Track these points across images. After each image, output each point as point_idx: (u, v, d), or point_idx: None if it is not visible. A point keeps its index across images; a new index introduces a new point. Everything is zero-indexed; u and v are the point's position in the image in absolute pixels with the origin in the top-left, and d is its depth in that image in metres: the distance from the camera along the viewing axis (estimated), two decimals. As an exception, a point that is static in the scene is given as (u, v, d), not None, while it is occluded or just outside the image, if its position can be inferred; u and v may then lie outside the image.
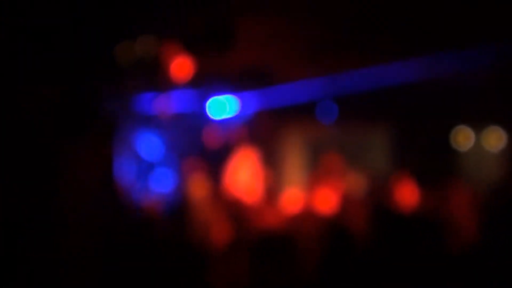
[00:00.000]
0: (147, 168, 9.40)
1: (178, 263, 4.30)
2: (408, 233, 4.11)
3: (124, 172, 7.42)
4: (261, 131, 9.31)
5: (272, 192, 6.85)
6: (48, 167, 3.92)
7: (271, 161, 9.64)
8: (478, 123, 9.62)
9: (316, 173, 7.65)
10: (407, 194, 6.48)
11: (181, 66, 5.47)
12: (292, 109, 8.21)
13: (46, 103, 3.81)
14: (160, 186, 8.91)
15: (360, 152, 10.55)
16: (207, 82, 7.16)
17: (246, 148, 7.67)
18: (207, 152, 9.03)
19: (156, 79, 5.03)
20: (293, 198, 6.48)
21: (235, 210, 6.00)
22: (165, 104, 7.67)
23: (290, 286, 4.19)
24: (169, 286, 4.22)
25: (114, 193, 6.60)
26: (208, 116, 8.81)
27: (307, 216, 5.89)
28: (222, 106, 8.40)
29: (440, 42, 5.64)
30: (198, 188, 6.05)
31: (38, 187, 3.87)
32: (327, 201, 5.75)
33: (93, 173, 4.19)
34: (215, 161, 8.71)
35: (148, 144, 9.36)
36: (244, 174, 7.31)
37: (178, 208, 5.36)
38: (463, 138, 9.59)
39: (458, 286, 3.72)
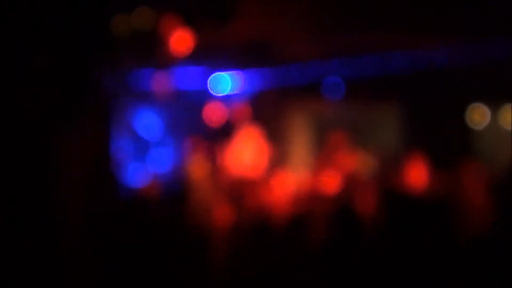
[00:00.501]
0: (145, 147, 9.33)
1: (177, 244, 4.31)
2: (418, 216, 3.97)
3: (122, 151, 7.35)
4: (266, 109, 9.19)
5: (276, 172, 6.72)
6: (42, 147, 3.82)
7: (276, 139, 9.56)
8: (495, 101, 9.47)
9: (323, 152, 7.51)
10: (418, 175, 6.39)
11: (180, 41, 5.31)
12: (299, 87, 8.06)
13: (39, 79, 3.70)
14: (159, 166, 8.82)
15: (370, 131, 10.46)
16: (208, 58, 7.01)
17: (249, 127, 7.53)
18: (209, 130, 8.96)
19: (154, 54, 4.89)
20: (298, 178, 6.38)
21: (237, 190, 5.93)
22: (164, 81, 7.56)
23: (293, 267, 4.14)
24: (168, 267, 4.21)
25: (111, 174, 6.57)
26: (209, 93, 8.71)
27: (313, 196, 5.80)
28: (224, 83, 8.26)
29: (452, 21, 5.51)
30: (198, 167, 5.94)
31: (32, 168, 3.78)
32: (334, 181, 5.63)
33: (88, 153, 4.10)
34: (216, 139, 8.64)
35: (147, 123, 9.23)
36: (246, 153, 7.19)
37: (178, 188, 5.28)
38: (479, 116, 9.45)
39: (470, 270, 3.57)
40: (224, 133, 8.56)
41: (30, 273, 3.70)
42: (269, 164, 7.05)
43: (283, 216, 5.66)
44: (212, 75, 8.05)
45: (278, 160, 9.03)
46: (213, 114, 9.06)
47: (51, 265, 3.84)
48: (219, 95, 8.73)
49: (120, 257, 4.43)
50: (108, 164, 6.23)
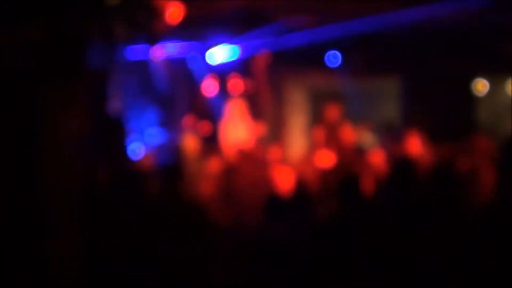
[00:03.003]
0: (137, 120, 9.29)
1: (171, 219, 4.21)
2: (422, 188, 3.90)
3: (112, 123, 7.33)
4: (261, 80, 9.16)
5: (271, 144, 6.71)
6: (30, 117, 3.74)
7: (272, 111, 9.55)
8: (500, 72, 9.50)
9: (322, 124, 7.43)
10: (422, 147, 6.38)
11: (174, 9, 5.23)
12: (296, 56, 7.93)
13: (28, 47, 3.61)
14: (152, 139, 8.78)
15: (372, 102, 10.47)
16: (203, 28, 6.96)
17: (243, 98, 7.50)
18: (202, 102, 8.90)
19: (147, 24, 4.81)
20: (296, 150, 6.37)
21: (230, 163, 5.92)
22: (156, 51, 7.50)
23: (295, 243, 4.02)
24: (162, 241, 4.16)
25: (102, 145, 6.56)
26: (203, 63, 8.62)
27: (312, 168, 5.78)
28: (219, 54, 8.10)
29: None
30: (192, 141, 5.91)
31: (20, 137, 3.74)
32: (332, 153, 5.63)
33: (78, 124, 3.99)
34: (210, 112, 8.56)
35: (139, 94, 9.14)
36: (240, 125, 7.14)
37: (171, 161, 5.27)
38: (483, 86, 9.35)
39: (475, 243, 3.50)
40: (217, 104, 8.56)
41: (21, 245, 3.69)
42: (263, 136, 7.09)
43: (280, 188, 5.66)
44: (207, 46, 7.93)
45: (273, 133, 9.09)
46: (208, 85, 9.05)
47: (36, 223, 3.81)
48: (213, 66, 8.71)
49: (115, 231, 4.33)
50: (99, 134, 6.28)
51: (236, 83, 8.82)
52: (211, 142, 6.68)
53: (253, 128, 7.15)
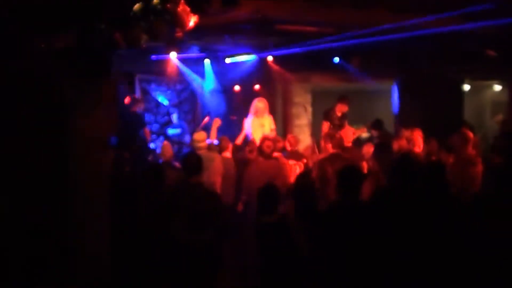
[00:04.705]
0: (161, 118, 9.67)
1: (189, 205, 4.31)
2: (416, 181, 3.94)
3: (135, 120, 7.61)
4: (271, 82, 9.44)
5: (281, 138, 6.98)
6: (61, 113, 4.03)
7: (281, 109, 9.80)
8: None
9: (327, 120, 7.82)
10: (415, 144, 6.46)
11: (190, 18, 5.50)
12: (302, 61, 8.34)
13: (62, 52, 3.90)
14: (172, 134, 9.18)
15: (369, 102, 10.67)
16: (217, 35, 7.20)
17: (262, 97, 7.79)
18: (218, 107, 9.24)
19: (166, 31, 5.03)
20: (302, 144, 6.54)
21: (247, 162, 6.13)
22: (175, 61, 7.77)
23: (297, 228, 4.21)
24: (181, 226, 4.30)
25: (125, 142, 6.78)
26: (219, 68, 8.98)
27: (316, 162, 6.00)
28: (233, 59, 8.52)
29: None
30: (201, 135, 6.18)
31: (52, 130, 4.01)
32: (336, 148, 5.81)
33: (104, 120, 4.24)
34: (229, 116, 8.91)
35: (161, 94, 9.62)
36: (265, 121, 7.49)
37: (189, 154, 5.42)
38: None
39: (465, 231, 3.64)
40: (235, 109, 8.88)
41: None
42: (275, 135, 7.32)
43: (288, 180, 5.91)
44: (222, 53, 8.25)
45: (282, 128, 9.34)
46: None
47: (70, 230, 4.02)
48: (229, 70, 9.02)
49: (138, 218, 4.54)
50: (122, 130, 6.31)
51: (252, 85, 9.18)
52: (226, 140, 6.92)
53: (272, 124, 7.52)
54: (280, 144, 6.17)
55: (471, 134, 5.85)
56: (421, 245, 3.57)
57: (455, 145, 5.82)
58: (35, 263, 3.93)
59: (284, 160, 6.08)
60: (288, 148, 6.53)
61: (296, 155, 6.34)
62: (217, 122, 6.91)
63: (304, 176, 5.11)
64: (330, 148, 5.86)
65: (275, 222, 4.09)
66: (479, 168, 5.53)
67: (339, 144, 5.79)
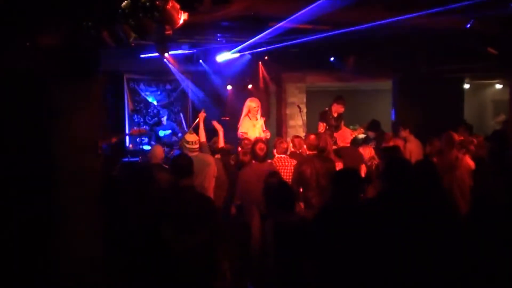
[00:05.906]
0: (150, 119, 9.54)
1: (181, 207, 4.17)
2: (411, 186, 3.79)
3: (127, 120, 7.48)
4: (264, 81, 9.34)
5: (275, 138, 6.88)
6: (47, 112, 3.94)
7: (275, 109, 9.76)
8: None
9: (321, 123, 7.72)
10: (410, 146, 6.63)
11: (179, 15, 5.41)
12: (295, 59, 8.27)
13: (48, 51, 3.82)
14: (163, 135, 9.03)
15: (366, 101, 10.64)
16: (208, 32, 7.10)
17: (255, 97, 7.69)
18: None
19: (154, 29, 4.93)
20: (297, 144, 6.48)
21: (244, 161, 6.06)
22: (165, 54, 7.70)
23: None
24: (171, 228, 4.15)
25: (113, 142, 6.67)
26: (210, 66, 8.85)
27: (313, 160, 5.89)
28: (224, 57, 8.34)
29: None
30: (191, 136, 6.05)
31: (38, 130, 3.93)
32: (310, 150, 5.74)
33: (91, 119, 4.11)
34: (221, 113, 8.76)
35: (151, 94, 9.48)
36: (257, 121, 7.42)
37: (180, 156, 5.33)
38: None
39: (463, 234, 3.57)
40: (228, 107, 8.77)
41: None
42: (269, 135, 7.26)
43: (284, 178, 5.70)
44: (213, 50, 8.12)
45: (276, 128, 9.27)
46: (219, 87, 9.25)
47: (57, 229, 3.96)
48: (221, 68, 8.92)
49: (128, 219, 4.36)
50: (111, 131, 6.20)
51: (244, 85, 9.08)
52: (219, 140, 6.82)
53: (264, 124, 7.41)
54: (284, 145, 6.07)
55: (456, 136, 5.82)
56: (415, 249, 3.49)
57: (440, 147, 5.83)
58: (20, 267, 3.85)
59: (289, 160, 5.92)
60: (291, 149, 6.39)
61: (298, 158, 6.24)
62: (202, 116, 6.75)
63: (272, 175, 5.02)
64: (305, 150, 5.79)
65: (296, 221, 3.89)
66: (461, 171, 5.51)
67: (313, 145, 5.65)
